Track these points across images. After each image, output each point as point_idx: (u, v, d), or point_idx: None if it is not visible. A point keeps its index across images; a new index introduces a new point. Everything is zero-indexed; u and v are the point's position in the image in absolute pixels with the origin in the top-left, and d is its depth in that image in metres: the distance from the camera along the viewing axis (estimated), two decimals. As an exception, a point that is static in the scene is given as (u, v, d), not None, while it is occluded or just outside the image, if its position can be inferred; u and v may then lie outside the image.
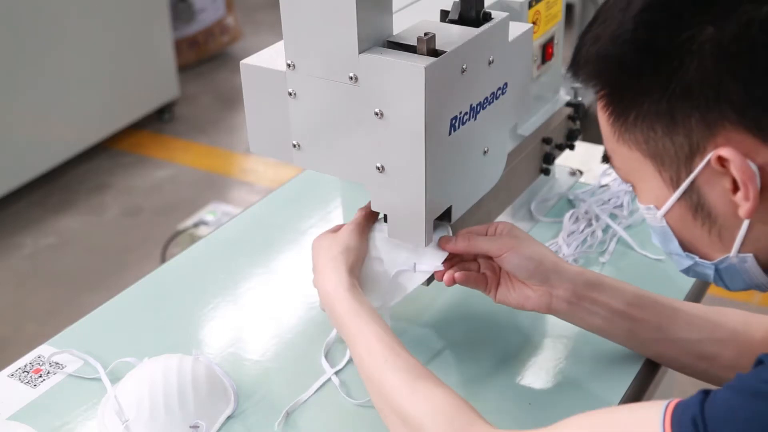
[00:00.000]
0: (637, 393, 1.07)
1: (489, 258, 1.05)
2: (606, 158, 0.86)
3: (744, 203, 0.73)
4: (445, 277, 1.04)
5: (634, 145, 0.79)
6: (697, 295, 1.24)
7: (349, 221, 1.07)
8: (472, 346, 1.14)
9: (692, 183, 0.76)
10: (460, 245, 1.03)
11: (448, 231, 1.05)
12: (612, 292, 1.02)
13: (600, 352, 1.11)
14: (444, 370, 1.09)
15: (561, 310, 1.02)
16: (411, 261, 1.07)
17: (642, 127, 0.77)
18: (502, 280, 1.06)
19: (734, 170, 0.72)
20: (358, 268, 1.05)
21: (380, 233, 1.09)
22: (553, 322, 1.18)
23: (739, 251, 0.78)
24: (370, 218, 1.08)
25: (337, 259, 1.02)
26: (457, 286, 1.24)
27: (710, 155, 0.73)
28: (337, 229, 1.09)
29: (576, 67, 0.81)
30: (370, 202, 1.04)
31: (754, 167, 0.72)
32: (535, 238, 1.33)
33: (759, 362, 0.72)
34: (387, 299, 1.07)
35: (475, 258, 1.07)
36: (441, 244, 1.04)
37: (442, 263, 1.05)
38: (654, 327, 1.02)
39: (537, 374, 1.09)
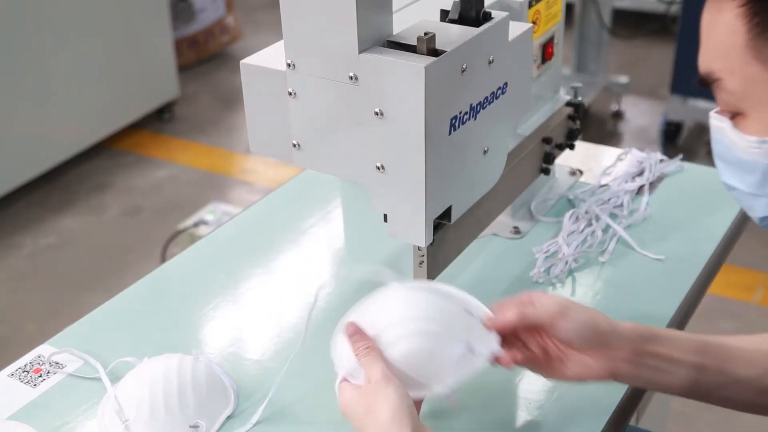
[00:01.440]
0: (636, 394, 1.07)
1: (533, 332, 0.95)
2: (705, 82, 0.76)
3: None
4: (507, 359, 0.93)
5: None
6: (697, 293, 1.24)
7: (363, 362, 0.90)
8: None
9: None
10: (510, 318, 0.93)
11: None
12: (669, 342, 0.95)
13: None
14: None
15: (625, 372, 0.94)
16: (456, 336, 0.92)
17: None
18: (554, 355, 0.95)
19: None
20: (417, 419, 0.87)
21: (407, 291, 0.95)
22: (553, 321, 1.18)
23: None
24: (365, 339, 0.92)
25: (398, 416, 0.85)
26: (458, 285, 1.25)
27: None
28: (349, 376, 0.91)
29: None
30: (348, 325, 0.94)
31: None
32: (535, 238, 1.34)
33: None
34: (440, 382, 0.91)
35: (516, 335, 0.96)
36: (488, 322, 0.94)
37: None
38: (716, 372, 0.95)
39: (537, 374, 1.09)
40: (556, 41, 1.35)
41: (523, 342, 0.96)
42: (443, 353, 0.91)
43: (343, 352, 0.93)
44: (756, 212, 0.81)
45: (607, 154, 1.56)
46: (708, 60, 0.76)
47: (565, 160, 1.51)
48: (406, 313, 0.93)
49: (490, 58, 1.00)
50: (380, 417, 0.85)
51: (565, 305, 0.93)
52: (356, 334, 0.92)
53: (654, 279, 1.26)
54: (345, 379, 0.91)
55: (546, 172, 1.35)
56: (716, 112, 0.84)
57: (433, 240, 1.03)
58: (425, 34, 0.93)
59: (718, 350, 0.96)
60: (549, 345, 0.95)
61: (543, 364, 0.96)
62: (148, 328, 1.20)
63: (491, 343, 0.93)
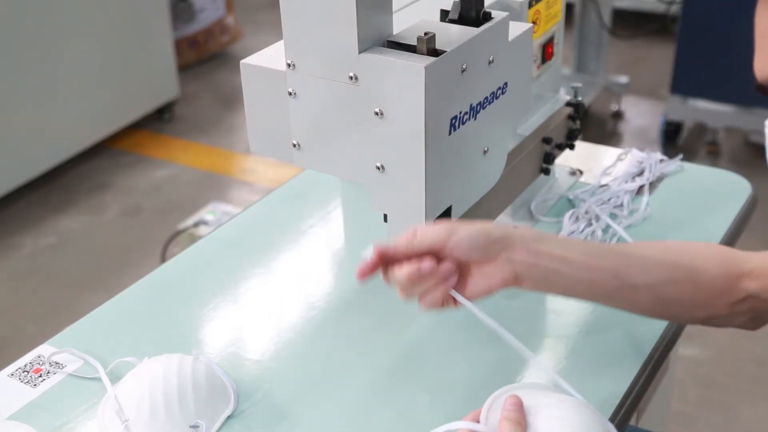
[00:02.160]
0: (636, 394, 1.07)
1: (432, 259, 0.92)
2: (765, 89, 0.75)
3: None
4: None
5: None
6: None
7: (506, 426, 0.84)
8: (471, 347, 1.14)
9: None
10: (401, 247, 0.90)
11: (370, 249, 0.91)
12: (564, 243, 0.96)
13: (600, 353, 1.11)
14: (443, 371, 1.10)
15: (525, 274, 0.93)
16: None
17: None
18: (459, 279, 0.94)
19: None
20: None
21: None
22: (552, 322, 1.18)
23: None
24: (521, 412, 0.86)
25: None
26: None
27: None
28: None
29: None
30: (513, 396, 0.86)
31: None
32: (535, 237, 1.34)
33: None
34: None
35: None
36: (375, 254, 0.90)
37: None
38: (612, 275, 0.96)
39: (537, 374, 1.09)
40: (556, 41, 1.35)
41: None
42: None
43: (490, 416, 0.87)
44: None
45: (607, 154, 1.56)
46: (767, 65, 0.76)
47: (565, 160, 1.51)
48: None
49: (490, 58, 1.00)
50: None
51: (452, 225, 0.92)
52: (515, 406, 0.86)
53: (654, 279, 1.26)
54: None
55: (546, 172, 1.35)
56: None
57: (433, 240, 1.03)
58: (425, 34, 0.93)
59: (616, 255, 0.97)
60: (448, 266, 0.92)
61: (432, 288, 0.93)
62: (148, 328, 1.20)
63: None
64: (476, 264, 0.93)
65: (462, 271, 0.94)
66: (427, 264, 0.89)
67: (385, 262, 0.91)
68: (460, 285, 0.94)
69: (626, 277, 0.97)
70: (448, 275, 0.92)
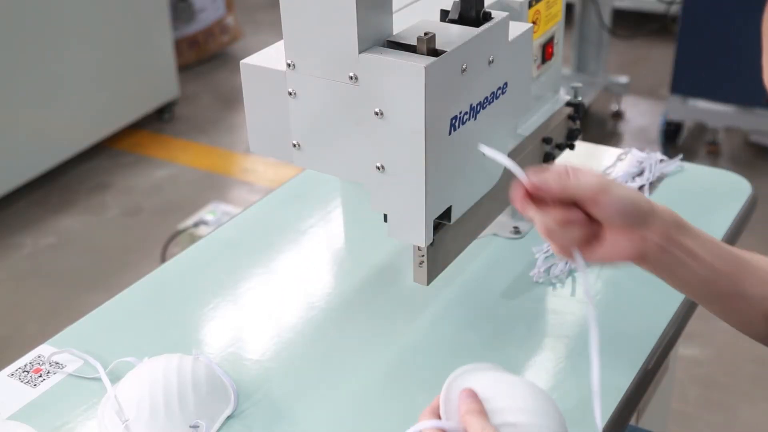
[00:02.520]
0: (636, 394, 1.07)
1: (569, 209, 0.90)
2: None
3: None
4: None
5: None
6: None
7: (470, 420, 0.83)
8: (471, 347, 1.14)
9: None
10: (554, 188, 0.88)
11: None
12: (697, 239, 0.94)
13: (600, 352, 1.11)
14: (443, 371, 1.09)
15: (653, 257, 0.92)
16: None
17: None
18: (586, 236, 0.91)
19: None
20: None
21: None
22: (553, 322, 1.18)
23: None
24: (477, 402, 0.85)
25: None
26: (457, 285, 1.25)
27: None
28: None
29: None
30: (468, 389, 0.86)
31: None
32: (535, 238, 1.34)
33: None
34: None
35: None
36: (530, 186, 0.89)
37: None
38: (729, 279, 0.95)
39: (537, 374, 1.09)
40: (556, 41, 1.35)
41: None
42: None
43: (449, 408, 0.86)
44: None
45: (607, 154, 1.56)
46: None
47: (565, 160, 1.51)
48: (525, 406, 0.86)
49: (490, 58, 1.00)
50: None
51: (606, 181, 0.90)
52: (471, 397, 0.85)
53: (654, 279, 1.25)
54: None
55: (546, 172, 1.35)
56: None
57: (433, 240, 1.03)
58: (425, 34, 0.93)
59: (733, 258, 0.96)
60: (580, 222, 0.91)
61: (565, 234, 0.91)
62: (148, 328, 1.20)
63: None
64: (610, 229, 0.91)
65: (594, 229, 0.92)
66: (579, 216, 0.89)
67: (532, 193, 0.90)
68: (588, 244, 0.92)
69: (741, 285, 0.95)
70: (592, 236, 0.91)
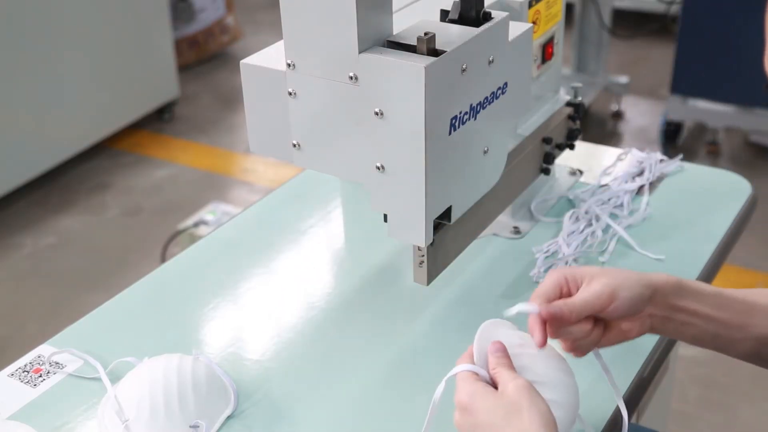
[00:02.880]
0: (636, 394, 1.07)
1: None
2: None
3: None
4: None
5: None
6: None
7: (506, 373, 0.86)
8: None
9: None
10: (566, 315, 0.92)
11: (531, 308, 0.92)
12: (697, 297, 0.98)
13: (600, 351, 1.11)
14: (443, 371, 1.09)
15: (657, 327, 0.98)
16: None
17: None
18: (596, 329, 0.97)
19: None
20: None
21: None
22: (553, 321, 1.18)
23: None
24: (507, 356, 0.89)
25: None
26: (457, 285, 1.25)
27: None
28: (476, 379, 0.87)
29: None
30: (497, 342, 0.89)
31: None
32: (535, 238, 1.34)
33: None
34: None
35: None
36: (549, 315, 0.91)
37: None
38: (737, 327, 0.98)
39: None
40: (556, 41, 1.35)
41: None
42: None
43: (480, 357, 0.89)
44: None
45: (607, 154, 1.56)
46: None
47: (565, 160, 1.51)
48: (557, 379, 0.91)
49: (490, 58, 1.00)
50: (531, 421, 0.81)
51: (610, 287, 0.93)
52: (500, 351, 0.89)
53: (654, 279, 1.26)
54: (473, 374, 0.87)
55: (546, 172, 1.35)
56: None
57: (433, 240, 1.03)
58: (425, 34, 0.93)
59: (738, 306, 0.99)
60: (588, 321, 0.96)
61: (582, 342, 0.96)
62: (148, 328, 1.20)
63: None
64: (619, 320, 0.97)
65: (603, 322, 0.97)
66: (589, 329, 0.95)
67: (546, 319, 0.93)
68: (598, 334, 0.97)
69: (751, 329, 0.99)
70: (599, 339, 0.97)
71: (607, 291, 0.94)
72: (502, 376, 0.86)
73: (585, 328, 0.95)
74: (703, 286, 1.00)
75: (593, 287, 0.94)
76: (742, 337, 0.99)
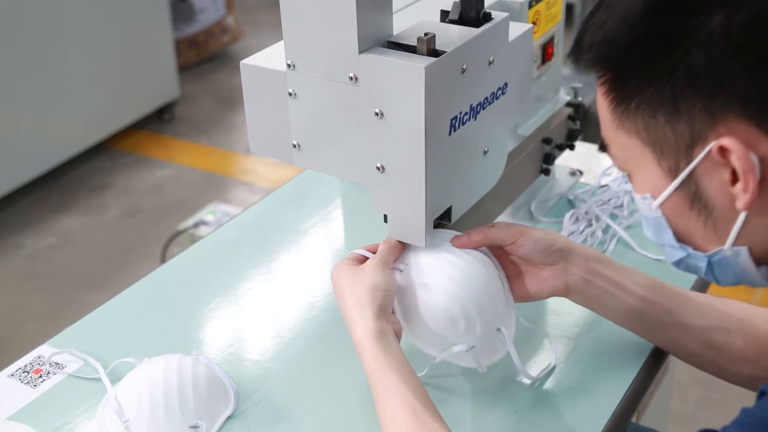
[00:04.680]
0: (636, 394, 1.07)
1: (499, 253, 1.05)
2: (603, 147, 0.85)
3: (742, 195, 0.73)
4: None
5: (634, 132, 0.78)
6: (697, 295, 1.24)
7: (373, 256, 1.01)
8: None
9: (691, 173, 0.76)
10: (475, 239, 1.02)
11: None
12: (622, 270, 1.03)
13: (600, 353, 1.11)
14: (442, 370, 1.09)
15: (578, 287, 1.03)
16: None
17: (644, 114, 0.76)
18: (512, 273, 1.06)
19: (735, 161, 0.72)
20: (389, 308, 0.98)
21: (421, 252, 1.01)
22: (552, 322, 1.18)
23: (734, 244, 0.78)
24: (395, 250, 1.01)
25: (362, 300, 0.95)
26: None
27: (712, 145, 0.73)
28: (358, 259, 1.03)
29: (578, 53, 0.80)
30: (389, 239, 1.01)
31: (755, 159, 0.71)
32: (535, 238, 1.34)
33: (762, 393, 0.72)
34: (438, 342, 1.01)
35: None
36: (454, 242, 1.02)
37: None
38: (664, 311, 1.02)
39: (537, 374, 1.09)
40: (556, 41, 1.35)
41: None
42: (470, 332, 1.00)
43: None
44: (668, 258, 0.88)
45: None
46: (601, 131, 0.85)
47: (565, 160, 1.51)
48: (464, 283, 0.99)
49: (490, 59, 1.00)
50: (357, 291, 0.96)
51: (524, 227, 1.04)
52: (392, 246, 1.01)
53: (654, 279, 1.26)
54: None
55: (546, 172, 1.35)
56: None
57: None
58: (425, 34, 0.93)
59: (671, 293, 1.03)
60: (509, 264, 1.06)
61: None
62: (148, 328, 1.20)
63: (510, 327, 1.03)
64: (534, 266, 1.05)
65: (522, 269, 1.06)
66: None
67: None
68: (517, 282, 1.05)
69: (678, 317, 1.02)
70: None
71: (518, 229, 1.03)
72: (374, 258, 0.99)
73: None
74: (635, 269, 1.04)
75: (508, 224, 1.05)
76: (668, 322, 1.02)
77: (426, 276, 0.99)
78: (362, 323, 0.94)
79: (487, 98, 1.02)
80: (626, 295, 1.02)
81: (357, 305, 0.95)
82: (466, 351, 0.99)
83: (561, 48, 1.38)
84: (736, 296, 2.68)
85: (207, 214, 2.77)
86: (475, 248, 1.03)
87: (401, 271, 1.01)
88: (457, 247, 1.02)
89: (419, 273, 1.00)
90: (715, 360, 1.02)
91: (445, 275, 0.99)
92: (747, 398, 0.99)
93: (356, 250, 1.04)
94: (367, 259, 1.01)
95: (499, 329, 1.01)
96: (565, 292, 1.04)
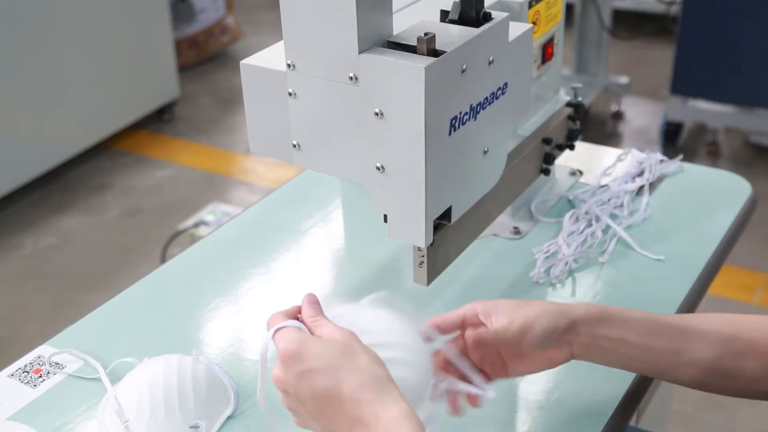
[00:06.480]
0: (636, 394, 1.07)
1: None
2: None
3: None
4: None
5: None
6: (697, 294, 1.24)
7: (313, 315, 0.85)
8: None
9: None
10: (470, 340, 0.93)
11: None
12: (622, 325, 0.97)
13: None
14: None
15: (581, 354, 0.97)
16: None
17: None
18: (513, 357, 0.97)
19: None
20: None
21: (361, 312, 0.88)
22: (553, 322, 1.18)
23: None
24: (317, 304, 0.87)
25: (375, 375, 0.77)
26: (458, 285, 1.25)
27: None
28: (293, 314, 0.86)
29: None
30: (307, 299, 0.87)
31: None
32: (535, 238, 1.34)
33: None
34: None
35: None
36: (436, 324, 0.92)
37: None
38: (669, 353, 0.97)
39: (537, 374, 1.09)
40: (556, 42, 1.35)
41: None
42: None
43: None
44: None
45: (607, 154, 1.56)
46: None
47: (565, 160, 1.51)
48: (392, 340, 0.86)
49: (490, 59, 1.00)
50: (368, 360, 0.77)
51: (526, 321, 0.92)
52: (316, 303, 0.85)
53: (654, 279, 1.26)
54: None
55: (546, 172, 1.35)
56: None
57: (433, 240, 1.03)
58: (425, 34, 0.93)
59: (671, 332, 0.97)
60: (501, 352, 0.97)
61: (499, 370, 0.97)
62: (148, 328, 1.20)
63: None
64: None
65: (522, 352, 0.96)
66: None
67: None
68: (518, 364, 0.97)
69: (684, 355, 0.96)
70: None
71: (521, 326, 0.92)
72: (327, 326, 0.81)
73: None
74: (631, 312, 0.98)
75: (505, 320, 0.93)
76: (676, 362, 0.97)
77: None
78: (395, 407, 0.74)
79: (487, 98, 1.02)
80: (629, 348, 0.96)
81: (371, 385, 0.76)
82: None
83: (561, 48, 1.38)
84: (736, 296, 2.68)
85: (207, 214, 2.77)
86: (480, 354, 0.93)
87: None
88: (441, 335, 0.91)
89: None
90: (729, 384, 0.98)
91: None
92: (747, 398, 0.99)
93: (275, 324, 0.84)
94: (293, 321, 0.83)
95: None
96: (569, 359, 0.97)
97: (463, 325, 0.96)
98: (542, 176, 1.36)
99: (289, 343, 0.79)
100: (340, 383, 0.75)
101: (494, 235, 1.35)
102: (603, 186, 1.45)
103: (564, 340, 0.95)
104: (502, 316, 0.93)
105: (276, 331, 0.81)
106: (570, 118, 1.38)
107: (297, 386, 0.78)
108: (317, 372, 0.76)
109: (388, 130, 0.95)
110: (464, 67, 0.95)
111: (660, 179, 1.48)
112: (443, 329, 0.95)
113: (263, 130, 1.09)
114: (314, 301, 0.86)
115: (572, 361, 1.10)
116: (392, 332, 0.87)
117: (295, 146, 1.05)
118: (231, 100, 4.11)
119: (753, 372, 0.96)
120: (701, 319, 0.99)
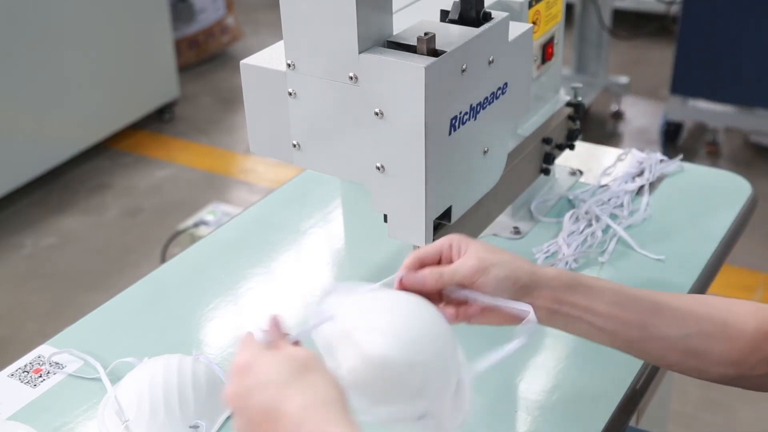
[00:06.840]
0: (636, 394, 1.07)
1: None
2: None
3: None
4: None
5: None
6: (696, 294, 1.24)
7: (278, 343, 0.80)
8: (471, 347, 1.14)
9: None
10: (430, 283, 0.91)
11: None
12: (591, 293, 0.95)
13: (600, 353, 1.11)
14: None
15: (542, 317, 0.94)
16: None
17: None
18: (474, 310, 0.94)
19: None
20: None
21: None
22: (553, 322, 1.18)
23: None
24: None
25: (326, 399, 0.72)
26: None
27: None
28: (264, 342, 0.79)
29: None
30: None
31: None
32: (535, 238, 1.34)
33: None
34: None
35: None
36: (403, 283, 0.91)
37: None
38: (638, 326, 0.95)
39: (537, 374, 1.09)
40: (556, 41, 1.35)
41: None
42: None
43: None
44: None
45: (607, 154, 1.56)
46: None
47: (565, 160, 1.51)
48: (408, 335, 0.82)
49: (490, 59, 1.00)
50: (323, 378, 0.73)
51: (485, 261, 0.91)
52: (280, 324, 0.81)
53: (654, 279, 1.26)
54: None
55: (546, 172, 1.35)
56: None
57: (433, 240, 1.03)
58: (425, 34, 0.93)
59: (641, 305, 0.95)
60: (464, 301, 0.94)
61: (463, 315, 0.95)
62: (148, 328, 1.20)
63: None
64: None
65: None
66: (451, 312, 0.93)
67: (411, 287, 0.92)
68: (479, 317, 0.95)
69: (653, 329, 0.95)
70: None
71: (479, 265, 0.91)
72: (288, 346, 0.78)
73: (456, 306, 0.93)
74: (602, 282, 0.96)
75: (467, 258, 0.91)
76: (643, 336, 0.95)
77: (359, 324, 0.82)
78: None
79: (487, 98, 1.02)
80: (595, 317, 0.95)
81: (318, 406, 0.71)
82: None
83: (561, 48, 1.38)
84: (736, 296, 2.68)
85: (207, 214, 2.77)
86: (425, 291, 0.90)
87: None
88: (406, 288, 0.90)
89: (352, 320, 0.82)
90: (698, 366, 0.96)
91: (384, 322, 0.81)
92: (747, 398, 0.99)
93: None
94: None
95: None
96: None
97: (440, 259, 0.94)
98: (542, 176, 1.36)
99: (244, 355, 0.75)
100: (286, 400, 0.71)
101: (494, 234, 1.35)
102: (603, 186, 1.45)
103: (525, 299, 0.93)
104: (468, 254, 0.92)
105: (242, 341, 0.78)
106: (570, 118, 1.38)
107: (246, 401, 0.73)
108: (266, 385, 0.72)
109: (388, 129, 0.95)
110: (464, 66, 0.96)
111: (660, 179, 1.48)
112: (424, 262, 0.93)
113: (263, 130, 1.09)
114: (279, 322, 0.82)
115: (572, 361, 1.11)
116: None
117: (295, 146, 1.05)
118: (231, 100, 4.11)
119: (720, 354, 0.95)
120: (674, 297, 0.98)
